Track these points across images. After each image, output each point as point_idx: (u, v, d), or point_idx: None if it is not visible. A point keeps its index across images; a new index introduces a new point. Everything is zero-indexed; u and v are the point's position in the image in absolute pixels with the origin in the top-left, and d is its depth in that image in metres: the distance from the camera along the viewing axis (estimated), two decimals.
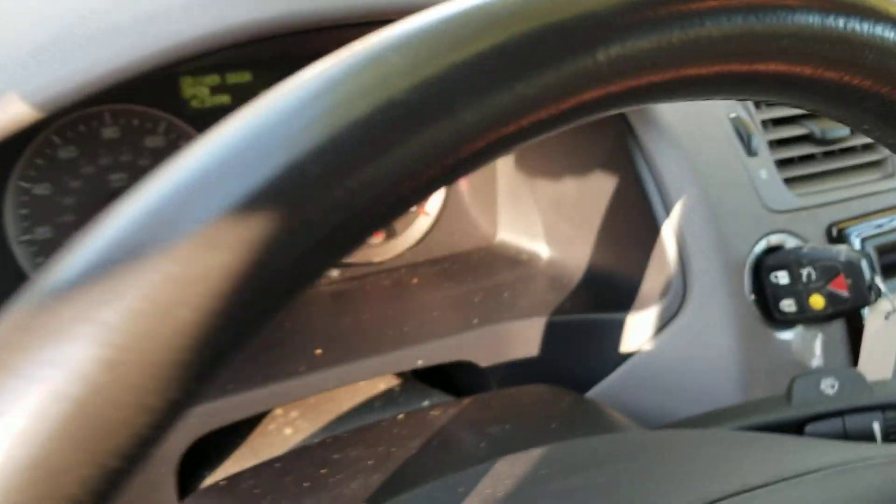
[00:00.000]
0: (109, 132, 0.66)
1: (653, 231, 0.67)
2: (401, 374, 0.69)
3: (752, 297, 0.66)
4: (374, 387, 0.66)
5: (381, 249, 0.79)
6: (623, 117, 0.66)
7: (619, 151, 0.68)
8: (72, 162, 0.66)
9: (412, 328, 0.65)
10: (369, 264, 0.78)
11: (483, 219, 0.84)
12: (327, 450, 0.50)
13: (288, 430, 0.61)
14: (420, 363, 0.62)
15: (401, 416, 0.54)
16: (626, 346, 0.66)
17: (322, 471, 0.47)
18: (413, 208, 0.81)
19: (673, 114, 0.66)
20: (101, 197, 0.67)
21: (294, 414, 0.62)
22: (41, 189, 0.65)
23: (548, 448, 0.42)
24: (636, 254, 0.69)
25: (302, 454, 0.50)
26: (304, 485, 0.46)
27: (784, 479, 0.36)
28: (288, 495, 0.45)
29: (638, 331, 0.66)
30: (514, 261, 0.80)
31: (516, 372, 0.66)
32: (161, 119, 0.68)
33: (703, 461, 0.40)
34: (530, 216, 0.80)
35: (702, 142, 0.68)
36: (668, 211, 0.66)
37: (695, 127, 0.68)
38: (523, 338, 0.66)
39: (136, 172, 0.68)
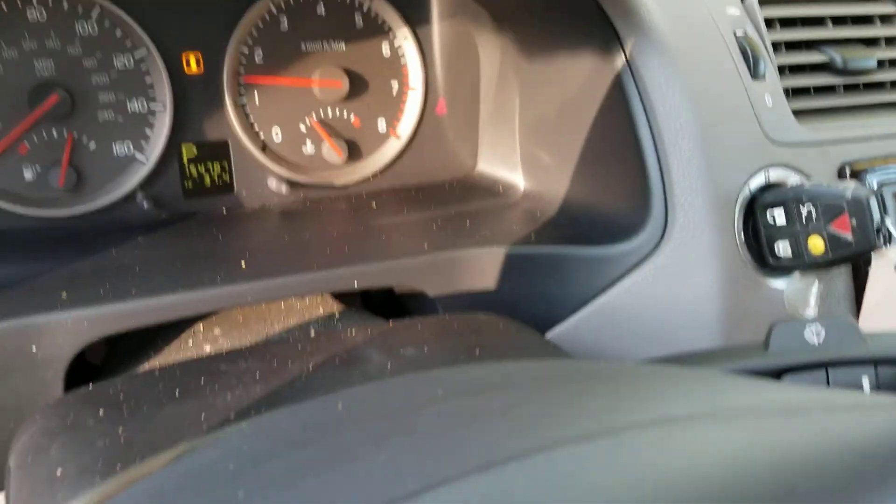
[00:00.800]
0: (35, 14, 0.61)
1: (636, 158, 0.58)
2: (347, 301, 0.62)
3: (743, 237, 0.58)
4: (312, 310, 0.60)
5: (343, 172, 0.72)
6: (609, 22, 0.57)
7: (604, 64, 0.59)
8: None
9: (354, 249, 0.58)
10: (330, 187, 0.72)
11: (462, 146, 0.77)
12: (218, 362, 0.44)
13: (207, 347, 0.55)
14: (356, 285, 0.55)
15: (313, 333, 0.48)
16: (594, 284, 0.59)
17: (201, 381, 0.41)
18: (383, 129, 0.74)
19: (668, 23, 0.58)
20: (26, 86, 0.61)
21: (217, 331, 0.57)
22: None
23: (451, 371, 0.36)
24: (615, 183, 0.61)
25: (190, 365, 0.44)
26: (175, 393, 0.40)
27: (710, 415, 0.29)
28: (151, 402, 0.39)
29: (609, 268, 0.58)
30: (489, 192, 0.72)
31: (473, 306, 0.59)
32: (94, 4, 0.62)
33: (625, 391, 0.33)
34: (511, 144, 0.73)
35: (699, 58, 0.59)
36: (653, 134, 0.58)
37: (692, 40, 0.59)
38: (480, 268, 0.59)
39: (65, 61, 0.62)
